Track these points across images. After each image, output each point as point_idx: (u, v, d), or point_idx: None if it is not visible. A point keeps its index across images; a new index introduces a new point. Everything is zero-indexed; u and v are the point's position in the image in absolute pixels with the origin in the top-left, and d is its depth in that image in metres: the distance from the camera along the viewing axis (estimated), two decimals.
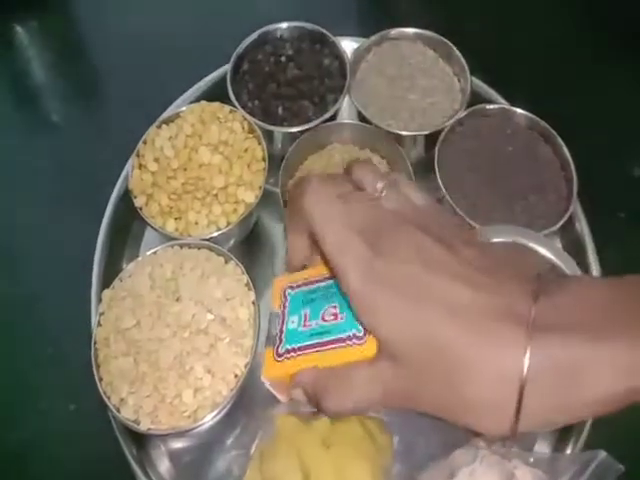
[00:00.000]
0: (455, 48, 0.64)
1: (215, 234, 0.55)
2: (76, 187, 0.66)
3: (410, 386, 0.37)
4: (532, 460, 0.47)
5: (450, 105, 0.63)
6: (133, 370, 0.50)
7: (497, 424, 0.35)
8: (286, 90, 0.62)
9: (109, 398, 0.50)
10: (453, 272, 0.37)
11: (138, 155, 0.58)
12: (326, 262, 0.42)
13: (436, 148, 0.59)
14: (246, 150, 0.58)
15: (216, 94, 0.63)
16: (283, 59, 0.64)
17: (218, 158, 0.57)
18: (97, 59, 0.76)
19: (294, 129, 0.60)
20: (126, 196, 0.58)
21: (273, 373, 0.46)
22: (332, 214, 0.40)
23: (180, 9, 0.77)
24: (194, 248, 0.55)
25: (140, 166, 0.58)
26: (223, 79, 0.63)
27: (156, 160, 0.58)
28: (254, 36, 0.64)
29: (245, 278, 0.53)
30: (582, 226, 0.60)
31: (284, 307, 0.48)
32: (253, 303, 0.53)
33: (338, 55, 0.64)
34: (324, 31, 0.64)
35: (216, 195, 0.56)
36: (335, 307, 0.46)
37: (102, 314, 0.52)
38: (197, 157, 0.57)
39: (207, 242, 0.55)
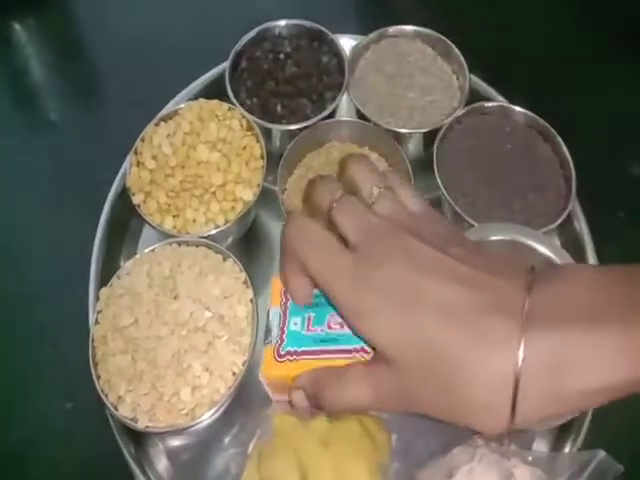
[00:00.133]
0: (454, 46, 0.64)
1: (213, 232, 0.55)
2: (75, 185, 0.66)
3: (406, 389, 0.37)
4: (531, 459, 0.47)
5: (449, 103, 0.62)
6: (131, 368, 0.49)
7: (495, 422, 0.35)
8: (284, 88, 0.62)
9: (107, 396, 0.49)
10: (445, 273, 0.37)
11: (136, 153, 0.58)
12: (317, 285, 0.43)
13: (435, 146, 0.59)
14: (244, 148, 0.58)
15: (214, 92, 0.63)
16: (281, 56, 0.64)
17: (216, 156, 0.57)
18: (96, 58, 0.76)
19: (292, 127, 0.60)
20: (124, 194, 0.58)
21: (273, 372, 0.46)
22: (315, 241, 0.41)
23: (179, 8, 0.77)
24: (192, 246, 0.55)
25: (138, 164, 0.58)
26: (221, 77, 0.63)
27: (154, 158, 0.58)
28: (252, 33, 0.64)
29: (243, 276, 0.53)
30: (581, 225, 0.60)
31: (285, 307, 0.48)
32: (251, 301, 0.52)
33: (337, 53, 0.64)
34: (322, 28, 0.64)
35: (214, 193, 0.56)
36: (342, 316, 0.47)
37: (100, 312, 0.52)
38: (195, 155, 0.57)
39: (205, 240, 0.55)
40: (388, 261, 0.38)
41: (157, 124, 0.59)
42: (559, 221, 0.56)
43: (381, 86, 0.63)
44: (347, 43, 0.65)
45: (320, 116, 0.60)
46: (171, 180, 0.57)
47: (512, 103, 0.62)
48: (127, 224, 0.61)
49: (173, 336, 0.50)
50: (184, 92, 0.65)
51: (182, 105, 0.61)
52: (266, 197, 0.58)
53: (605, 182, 0.64)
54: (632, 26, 0.75)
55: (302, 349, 0.47)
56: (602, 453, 0.44)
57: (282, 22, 0.65)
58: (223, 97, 0.61)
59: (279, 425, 0.51)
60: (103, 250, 0.59)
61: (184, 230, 0.56)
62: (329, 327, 0.47)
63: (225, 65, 0.63)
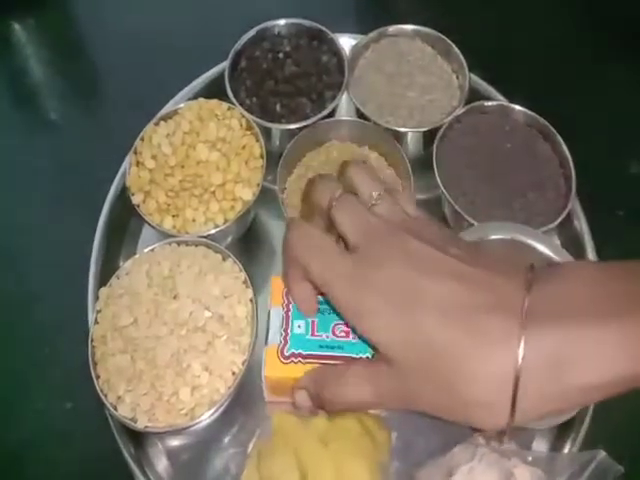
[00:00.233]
0: (454, 45, 0.64)
1: (213, 231, 0.55)
2: (74, 185, 0.66)
3: (407, 388, 0.37)
4: (531, 459, 0.47)
5: (448, 102, 0.62)
6: (130, 368, 0.49)
7: (495, 419, 0.35)
8: (284, 87, 0.62)
9: (106, 396, 0.49)
10: (445, 272, 0.37)
11: (135, 152, 0.58)
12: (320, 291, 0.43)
13: (434, 145, 0.59)
14: (244, 147, 0.58)
15: (214, 91, 0.63)
16: (281, 56, 0.64)
17: (216, 155, 0.57)
18: (95, 57, 0.76)
19: (292, 126, 0.60)
20: (123, 193, 0.58)
21: (277, 373, 0.46)
22: (316, 245, 0.41)
23: (178, 7, 0.77)
24: (191, 245, 0.55)
25: (137, 163, 0.58)
26: (221, 76, 0.62)
27: (153, 157, 0.58)
28: (252, 33, 0.64)
29: (243, 275, 0.53)
30: (581, 224, 0.60)
31: (287, 308, 0.48)
32: (251, 300, 0.52)
33: (336, 52, 0.64)
34: (322, 28, 0.64)
35: (214, 192, 0.56)
36: (346, 325, 0.47)
37: (99, 312, 0.52)
38: (195, 154, 0.57)
39: (204, 239, 0.55)
40: (387, 261, 0.38)
41: (157, 123, 0.59)
42: (559, 220, 0.56)
43: (381, 85, 0.63)
44: (347, 42, 0.65)
45: (320, 115, 0.60)
46: (170, 180, 0.56)
47: (512, 102, 0.62)
48: (127, 224, 0.61)
49: (172, 336, 0.50)
50: (184, 91, 0.65)
51: (182, 105, 0.60)
52: (266, 196, 0.58)
53: (605, 181, 0.64)
54: (632, 26, 0.75)
55: (307, 352, 0.47)
56: (602, 453, 0.44)
57: (281, 21, 0.65)
58: (222, 96, 0.61)
59: (278, 424, 0.51)
60: (102, 250, 0.59)
61: (183, 230, 0.56)
62: (334, 334, 0.47)
63: (225, 64, 0.63)
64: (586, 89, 0.71)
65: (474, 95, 0.63)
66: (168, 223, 0.56)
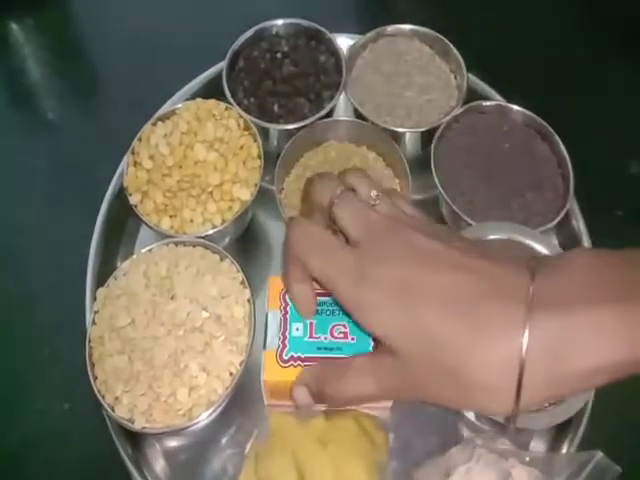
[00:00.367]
0: (452, 45, 0.64)
1: (210, 232, 0.55)
2: (72, 185, 0.66)
3: (412, 380, 0.37)
4: (528, 459, 0.47)
5: (446, 102, 0.62)
6: (127, 368, 0.49)
7: (501, 406, 0.35)
8: (282, 87, 0.62)
9: (103, 397, 0.49)
10: (446, 263, 0.37)
11: (133, 152, 0.58)
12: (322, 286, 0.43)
13: (432, 145, 0.59)
14: (242, 147, 0.58)
15: (212, 91, 0.63)
16: (279, 56, 0.63)
17: (213, 155, 0.57)
18: (94, 57, 0.76)
19: (290, 126, 0.60)
20: (121, 194, 0.58)
21: (276, 377, 0.46)
22: (317, 241, 0.41)
23: (177, 7, 0.77)
24: (189, 246, 0.55)
25: (135, 164, 0.58)
26: (219, 76, 0.62)
27: (151, 157, 0.57)
28: (250, 33, 0.64)
29: (240, 276, 0.53)
30: (579, 224, 0.60)
31: (285, 311, 0.48)
32: (248, 301, 0.52)
33: (334, 52, 0.63)
34: (320, 28, 0.64)
35: (211, 193, 0.56)
36: (345, 326, 0.47)
37: (97, 312, 0.52)
38: (192, 154, 0.57)
39: (202, 240, 0.55)
40: (389, 255, 0.38)
41: (154, 124, 0.59)
42: (557, 220, 0.56)
43: (379, 85, 0.63)
44: (344, 42, 0.65)
45: (317, 115, 0.60)
46: (168, 180, 0.56)
47: (510, 102, 0.62)
48: (124, 224, 0.61)
49: (170, 336, 0.50)
50: (181, 92, 0.65)
51: (179, 105, 0.60)
52: (263, 197, 0.58)
53: (604, 181, 0.64)
54: (632, 26, 0.75)
55: (306, 355, 0.47)
56: (600, 454, 0.44)
57: (279, 21, 0.65)
58: (220, 97, 0.61)
59: (276, 425, 0.51)
60: (100, 250, 0.59)
61: (181, 230, 0.56)
62: (332, 336, 0.47)
63: (222, 64, 0.63)
64: (586, 89, 0.71)
65: (472, 95, 0.63)
66: (166, 223, 0.56)
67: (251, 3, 0.75)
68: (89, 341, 0.51)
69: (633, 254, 0.35)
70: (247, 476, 0.50)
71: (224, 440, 0.53)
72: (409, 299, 0.36)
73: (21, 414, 0.56)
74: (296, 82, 0.62)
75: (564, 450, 0.51)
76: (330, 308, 0.49)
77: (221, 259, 0.54)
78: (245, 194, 0.56)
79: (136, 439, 0.53)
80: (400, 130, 0.60)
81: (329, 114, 0.61)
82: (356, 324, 0.46)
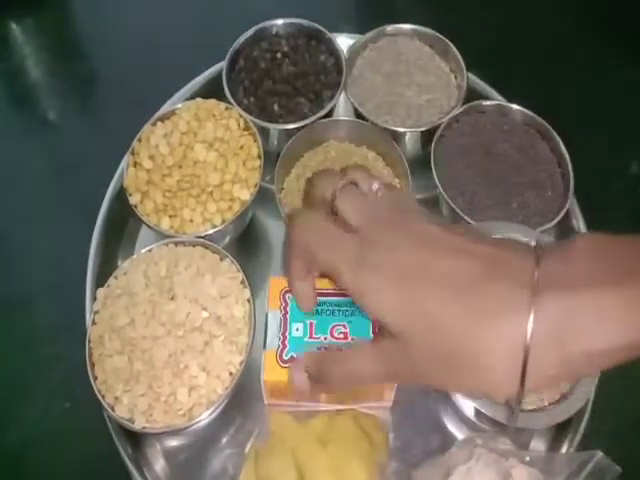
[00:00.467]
0: (452, 44, 0.63)
1: (210, 232, 0.55)
2: (72, 186, 0.66)
3: (414, 363, 0.37)
4: (528, 459, 0.47)
5: (446, 102, 0.62)
6: (127, 368, 0.49)
7: (505, 389, 0.35)
8: (282, 87, 0.62)
9: (104, 397, 0.49)
10: (449, 248, 0.37)
11: (133, 153, 0.58)
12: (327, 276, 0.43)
13: (432, 145, 0.59)
14: (242, 147, 0.58)
15: (212, 91, 0.63)
16: (279, 56, 0.63)
17: (213, 155, 0.57)
18: (93, 57, 0.76)
19: (290, 126, 0.60)
20: (121, 194, 0.58)
21: (276, 377, 0.46)
22: (319, 228, 0.42)
23: (177, 7, 0.77)
24: (189, 246, 0.55)
25: (135, 164, 0.58)
26: (219, 76, 0.62)
27: (151, 158, 0.57)
28: (250, 33, 0.64)
29: (240, 276, 0.53)
30: (579, 223, 0.60)
31: (285, 311, 0.48)
32: (248, 301, 0.52)
33: (334, 51, 0.63)
34: (320, 27, 0.64)
35: (211, 192, 0.56)
36: (345, 327, 0.47)
37: (97, 312, 0.52)
38: (192, 154, 0.57)
39: (202, 240, 0.55)
40: (390, 241, 0.38)
41: (154, 124, 0.59)
42: (557, 219, 0.56)
43: (379, 85, 0.63)
44: (344, 42, 0.65)
45: (317, 115, 0.60)
46: (168, 180, 0.56)
47: (511, 102, 0.62)
48: (124, 224, 0.61)
49: (170, 336, 0.50)
50: (181, 92, 0.65)
51: (179, 105, 0.60)
52: (263, 197, 0.58)
53: (604, 181, 0.64)
54: (632, 26, 0.75)
55: None
56: (600, 454, 0.44)
57: (279, 21, 0.65)
58: (220, 96, 0.61)
59: (276, 425, 0.51)
60: (100, 250, 0.59)
61: (181, 230, 0.56)
62: (332, 336, 0.47)
63: (222, 64, 0.63)
64: (586, 89, 0.71)
65: (472, 95, 0.63)
66: (166, 223, 0.55)
67: (251, 3, 0.75)
68: (89, 341, 0.51)
69: (636, 239, 0.35)
70: (247, 476, 0.50)
71: (224, 440, 0.53)
72: (410, 283, 0.36)
73: (21, 414, 0.56)
74: (296, 82, 0.62)
75: (564, 450, 0.51)
76: (330, 308, 0.49)
77: (221, 259, 0.54)
78: (245, 194, 0.56)
79: (136, 439, 0.53)
80: (400, 130, 0.60)
81: (329, 114, 0.61)
82: (358, 320, 0.46)
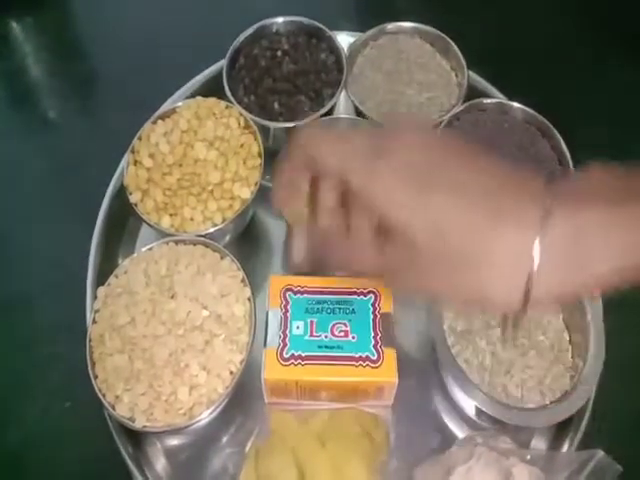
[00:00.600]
0: (453, 43, 0.64)
1: (211, 230, 0.55)
2: (72, 184, 0.66)
3: (419, 266, 0.37)
4: (529, 457, 0.47)
5: (447, 99, 0.62)
6: (128, 367, 0.49)
7: (507, 298, 0.35)
8: (282, 85, 0.62)
9: (104, 396, 0.49)
10: (468, 156, 0.37)
11: (133, 151, 0.58)
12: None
13: None
14: (242, 146, 0.58)
15: (212, 89, 0.63)
16: (279, 54, 0.63)
17: (214, 154, 0.57)
18: (93, 56, 0.76)
19: (290, 124, 0.60)
20: (121, 192, 0.58)
21: (276, 375, 0.46)
22: (328, 134, 0.41)
23: (177, 5, 0.77)
24: (189, 244, 0.55)
25: (135, 162, 0.58)
26: (219, 74, 0.62)
27: (151, 156, 0.57)
28: (250, 31, 0.64)
29: (241, 274, 0.53)
30: None
31: (285, 309, 0.48)
32: (249, 299, 0.52)
33: (334, 49, 0.63)
34: (320, 25, 0.64)
35: (212, 191, 0.56)
36: (346, 325, 0.47)
37: (97, 311, 0.52)
38: (193, 153, 0.57)
39: (202, 238, 0.55)
40: (407, 142, 0.38)
41: (154, 122, 0.59)
42: None
43: (379, 83, 0.63)
44: (345, 40, 0.65)
45: (318, 113, 0.60)
46: (168, 178, 0.56)
47: (511, 100, 0.62)
48: (125, 223, 0.61)
49: (170, 335, 0.50)
50: (181, 90, 0.65)
51: (179, 103, 0.60)
52: (264, 195, 0.57)
53: None
54: (632, 26, 0.75)
55: (307, 354, 0.47)
56: (601, 453, 0.44)
57: (280, 19, 0.65)
58: (221, 95, 0.61)
59: (277, 423, 0.51)
60: (101, 249, 0.59)
61: (182, 229, 0.55)
62: (333, 334, 0.47)
63: (223, 63, 0.63)
64: (586, 89, 0.71)
65: (473, 92, 0.63)
66: (166, 222, 0.55)
67: (251, 1, 0.75)
68: (90, 340, 0.51)
69: None
70: (247, 474, 0.50)
71: (225, 439, 0.53)
72: (426, 184, 0.36)
73: (21, 414, 0.56)
74: (296, 80, 0.62)
75: (565, 449, 0.51)
76: (331, 307, 0.49)
77: (221, 257, 0.54)
78: (245, 192, 0.56)
79: (137, 438, 0.53)
80: None
81: (330, 112, 0.61)
82: (358, 318, 0.46)
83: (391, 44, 0.65)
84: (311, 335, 0.48)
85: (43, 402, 0.57)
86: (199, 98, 0.60)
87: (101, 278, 0.55)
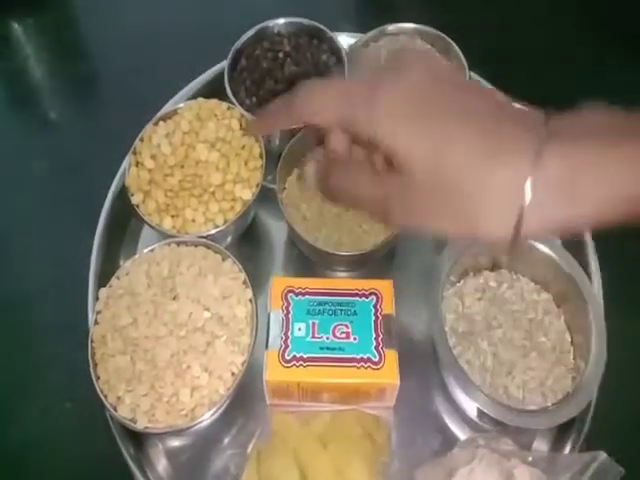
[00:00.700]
0: (453, 43, 0.63)
1: (212, 232, 0.55)
2: (74, 185, 0.66)
3: (415, 198, 0.37)
4: (531, 459, 0.47)
5: None
6: (130, 368, 0.49)
7: (499, 228, 0.35)
8: (284, 86, 0.62)
9: (106, 397, 0.49)
10: (468, 88, 0.38)
11: (135, 152, 0.58)
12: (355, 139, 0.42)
13: None
14: (243, 147, 0.58)
15: (214, 91, 0.63)
16: (281, 55, 0.63)
17: (215, 155, 0.57)
18: (94, 57, 0.76)
19: (292, 126, 0.59)
20: (123, 194, 0.58)
21: (278, 377, 0.46)
22: (329, 89, 0.41)
23: (178, 6, 0.77)
24: (191, 246, 0.55)
25: (137, 163, 0.58)
26: (220, 76, 0.62)
27: (153, 157, 0.57)
28: (251, 32, 0.64)
29: (242, 276, 0.53)
30: None
31: (287, 311, 0.48)
32: (250, 301, 0.52)
33: (336, 51, 0.63)
34: (321, 27, 0.64)
35: (213, 192, 0.56)
36: (347, 326, 0.47)
37: (99, 312, 0.52)
38: (194, 154, 0.57)
39: (204, 240, 0.55)
40: (407, 70, 0.38)
41: (156, 124, 0.59)
42: None
43: None
44: (346, 41, 0.65)
45: None
46: (170, 180, 0.56)
47: (512, 100, 0.62)
48: (126, 224, 0.61)
49: (172, 336, 0.50)
50: (183, 91, 0.65)
51: (181, 104, 0.60)
52: (265, 196, 0.58)
53: None
54: (632, 26, 0.75)
55: (308, 355, 0.47)
56: (603, 455, 0.44)
57: (281, 20, 0.65)
58: (222, 96, 0.61)
59: (278, 425, 0.51)
60: (102, 250, 0.59)
61: (183, 230, 0.55)
62: (334, 336, 0.47)
63: (224, 64, 0.63)
64: (586, 89, 0.71)
65: None
66: (168, 223, 0.55)
67: (251, 2, 0.76)
68: (91, 341, 0.51)
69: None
70: (249, 476, 0.50)
71: (226, 440, 0.53)
72: (426, 113, 0.36)
73: (22, 414, 0.56)
74: (298, 81, 0.61)
75: (567, 450, 0.51)
76: (332, 308, 0.49)
77: (223, 259, 0.54)
78: (247, 194, 0.56)
79: (138, 439, 0.53)
80: None
81: None
82: (359, 320, 0.46)
83: (392, 45, 0.65)
84: (313, 337, 0.48)
85: (43, 402, 0.57)
86: (201, 99, 0.60)
87: (102, 279, 0.56)
